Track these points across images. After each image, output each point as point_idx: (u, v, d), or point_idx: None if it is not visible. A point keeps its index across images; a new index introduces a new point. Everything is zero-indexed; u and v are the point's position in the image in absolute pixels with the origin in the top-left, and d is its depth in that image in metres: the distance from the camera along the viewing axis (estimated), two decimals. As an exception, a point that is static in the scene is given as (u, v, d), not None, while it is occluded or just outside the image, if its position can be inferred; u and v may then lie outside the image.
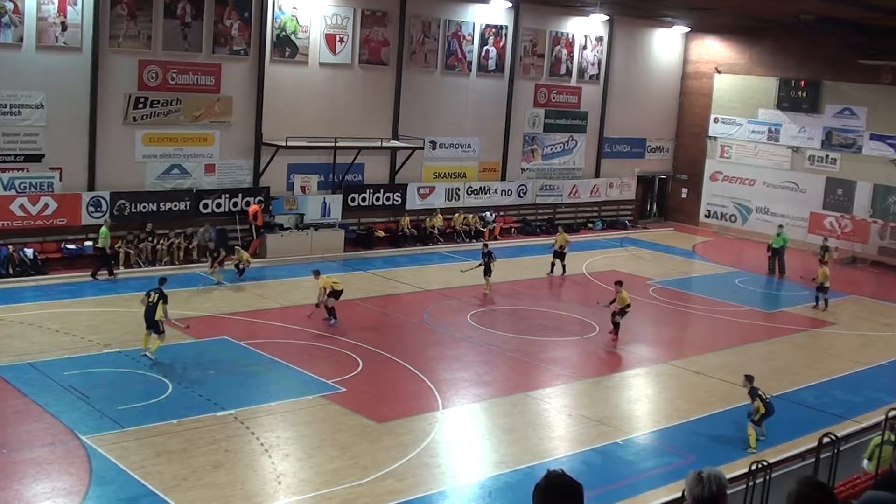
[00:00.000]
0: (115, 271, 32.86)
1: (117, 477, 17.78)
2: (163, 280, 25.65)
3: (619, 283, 29.93)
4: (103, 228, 32.37)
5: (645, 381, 26.50)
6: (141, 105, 35.19)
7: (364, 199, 41.65)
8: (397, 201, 42.67)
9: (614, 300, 29.41)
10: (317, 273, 29.44)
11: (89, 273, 32.30)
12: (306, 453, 19.44)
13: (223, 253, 33.95)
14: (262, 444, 19.65)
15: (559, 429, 22.35)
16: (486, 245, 35.20)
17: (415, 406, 22.83)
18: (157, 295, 24.40)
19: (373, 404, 22.34)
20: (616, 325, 29.33)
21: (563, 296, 35.79)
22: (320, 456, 19.25)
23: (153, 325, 24.28)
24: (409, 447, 19.98)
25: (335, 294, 28.67)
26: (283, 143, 37.48)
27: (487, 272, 33.79)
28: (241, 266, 33.91)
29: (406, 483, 18.34)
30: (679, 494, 13.61)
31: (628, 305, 29.29)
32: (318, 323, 28.73)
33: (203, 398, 21.95)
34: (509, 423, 22.04)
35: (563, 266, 38.02)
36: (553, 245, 38.72)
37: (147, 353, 24.26)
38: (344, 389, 23.09)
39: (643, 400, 25.06)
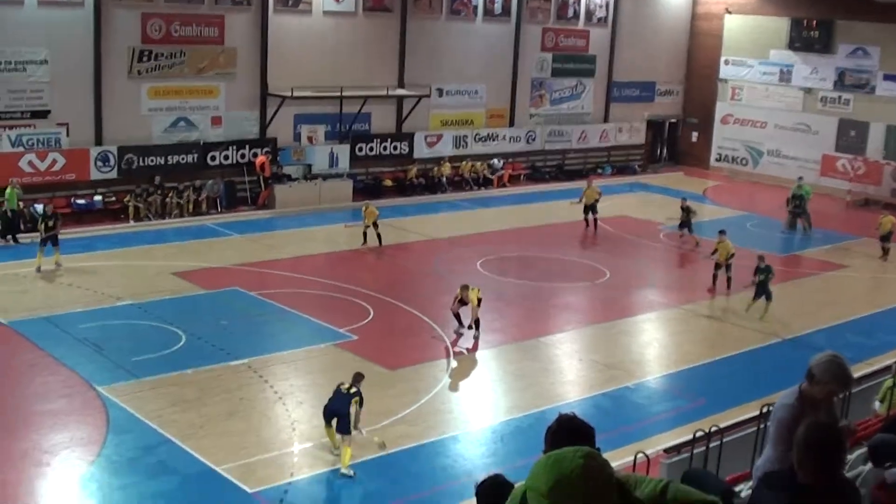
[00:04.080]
0: (18, 237, 31.05)
1: (134, 426, 17.99)
2: (359, 376, 17.52)
3: (722, 232, 29.68)
4: (9, 189, 31.16)
5: (655, 325, 26.57)
6: (145, 58, 35.07)
7: (371, 149, 41.55)
8: (405, 150, 42.56)
9: (716, 251, 29.22)
10: (467, 287, 23.86)
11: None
12: (320, 400, 19.43)
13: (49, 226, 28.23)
14: (275, 392, 19.81)
15: (570, 374, 22.46)
16: None
17: (426, 353, 22.95)
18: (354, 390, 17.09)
19: (384, 352, 22.45)
20: (715, 278, 29.09)
21: (573, 242, 35.74)
22: (334, 403, 19.39)
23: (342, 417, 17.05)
24: (420, 393, 20.13)
25: (479, 301, 23.82)
26: (289, 94, 37.35)
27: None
28: None
29: (418, 428, 18.50)
30: (689, 437, 13.69)
31: (732, 255, 28.92)
32: (330, 272, 28.82)
33: (216, 348, 22.09)
34: (520, 368, 22.16)
35: (595, 220, 36.42)
36: (582, 200, 36.59)
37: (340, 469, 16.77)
38: (356, 338, 23.21)
39: (654, 344, 25.15)
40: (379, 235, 32.41)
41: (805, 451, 5.45)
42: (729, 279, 29.00)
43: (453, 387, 20.99)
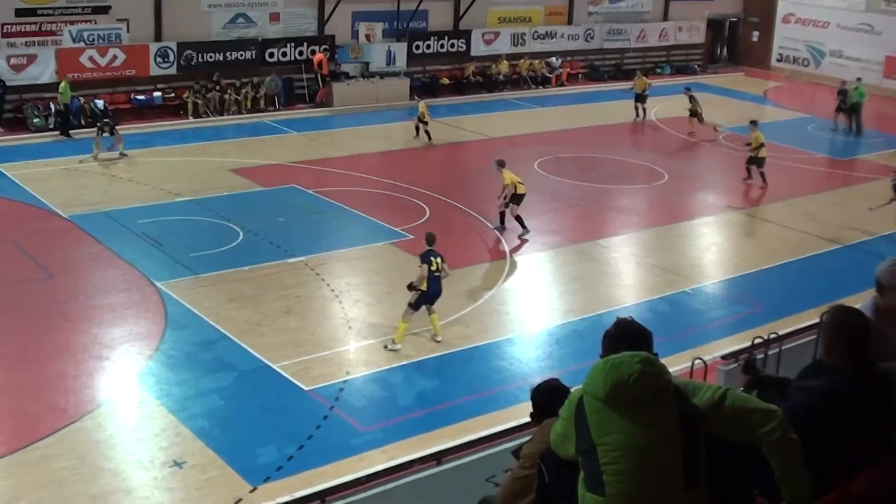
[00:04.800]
0: (70, 132, 31.39)
1: (192, 322, 18.24)
2: (431, 237, 18.39)
3: (753, 123, 30.10)
4: (63, 83, 31.22)
5: (714, 229, 26.31)
6: (204, -47, 34.97)
7: (428, 47, 41.21)
8: (462, 48, 42.14)
9: (749, 143, 29.64)
10: (501, 164, 24.34)
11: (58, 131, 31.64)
12: (376, 299, 19.70)
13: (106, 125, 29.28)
14: (332, 290, 19.95)
15: (627, 277, 22.38)
16: None
17: (482, 254, 22.97)
18: (439, 258, 17.86)
19: (440, 252, 22.40)
20: (749, 171, 29.56)
21: (632, 143, 35.43)
22: (389, 302, 19.47)
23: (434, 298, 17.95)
24: (476, 295, 20.16)
25: (517, 198, 23.84)
26: (348, -10, 37.06)
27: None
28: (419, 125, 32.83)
29: (474, 329, 18.56)
30: (747, 343, 13.61)
31: (762, 145, 29.30)
32: (386, 171, 28.84)
33: (273, 245, 22.25)
34: (576, 271, 22.09)
35: (644, 110, 37.83)
36: (633, 89, 38.45)
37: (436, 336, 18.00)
38: (412, 237, 23.21)
39: (712, 249, 24.94)
40: (428, 132, 32.79)
41: (832, 336, 5.48)
42: (762, 174, 29.31)
43: (509, 288, 20.99)
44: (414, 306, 17.60)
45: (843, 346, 5.40)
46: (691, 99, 35.67)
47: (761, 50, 52.16)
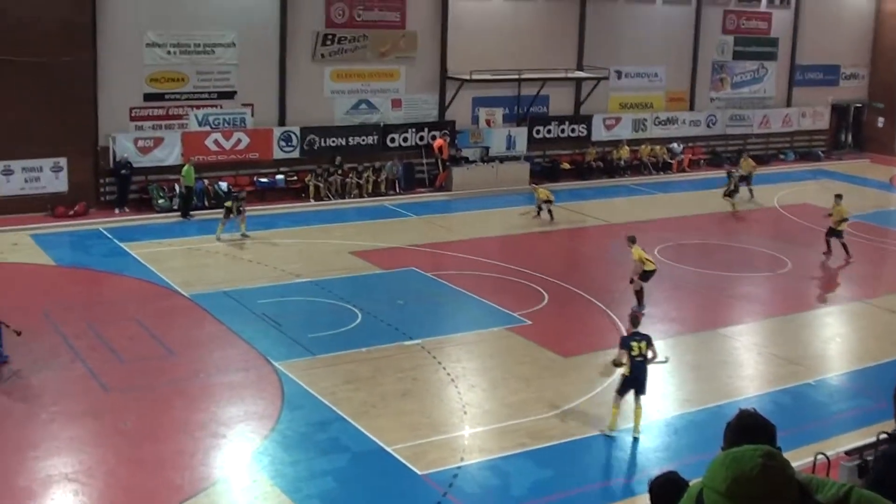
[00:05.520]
0: (191, 213, 32.22)
1: (308, 402, 18.32)
2: (636, 318, 18.16)
3: (838, 197, 30.39)
4: (186, 167, 31.99)
5: (838, 319, 25.67)
6: (329, 42, 35.83)
7: (549, 132, 41.40)
8: (582, 133, 42.24)
9: (831, 214, 29.94)
10: (632, 240, 24.77)
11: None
12: (491, 384, 19.57)
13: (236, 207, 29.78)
14: (448, 374, 19.88)
15: (748, 367, 21.87)
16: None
17: (600, 341, 22.62)
18: (643, 342, 17.36)
19: (558, 338, 22.29)
20: (828, 243, 29.88)
21: (754, 230, 34.88)
22: (505, 388, 19.35)
23: (641, 384, 17.43)
24: (594, 382, 19.85)
25: (645, 275, 24.25)
26: (468, 77, 37.49)
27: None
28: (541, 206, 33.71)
29: (592, 417, 18.24)
30: (873, 438, 13.14)
31: (845, 220, 29.68)
32: (505, 255, 28.84)
33: (391, 327, 22.32)
34: (696, 360, 21.68)
35: (751, 191, 38.20)
36: (739, 171, 38.62)
37: (636, 433, 17.52)
38: (529, 322, 23.12)
39: (836, 339, 24.27)
40: (550, 212, 33.60)
41: None
42: (844, 245, 29.70)
43: (627, 376, 20.67)
44: (620, 392, 17.42)
45: None
46: (730, 175, 37.33)
47: (887, 136, 51.14)
